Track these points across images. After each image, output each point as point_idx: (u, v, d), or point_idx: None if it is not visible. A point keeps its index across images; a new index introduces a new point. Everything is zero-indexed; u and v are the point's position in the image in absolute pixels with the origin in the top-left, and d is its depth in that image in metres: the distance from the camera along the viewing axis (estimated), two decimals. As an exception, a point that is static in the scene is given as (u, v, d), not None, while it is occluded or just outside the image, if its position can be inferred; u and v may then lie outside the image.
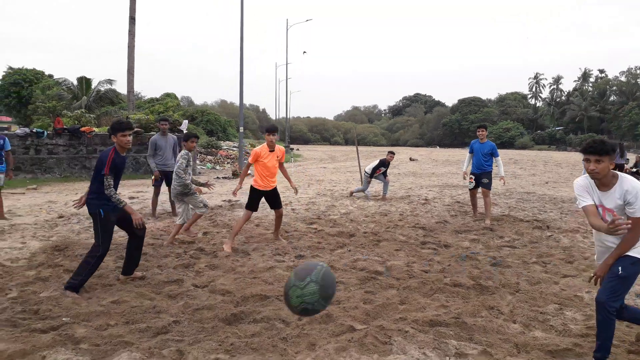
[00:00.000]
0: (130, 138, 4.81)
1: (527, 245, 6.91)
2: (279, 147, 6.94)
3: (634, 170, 18.59)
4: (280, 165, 7.01)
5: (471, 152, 9.20)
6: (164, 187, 9.03)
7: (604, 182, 3.22)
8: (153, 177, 8.97)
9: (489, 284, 4.96)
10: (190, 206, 6.95)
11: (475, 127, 9.43)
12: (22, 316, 3.93)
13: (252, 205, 6.80)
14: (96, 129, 19.89)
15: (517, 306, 4.34)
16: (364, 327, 3.78)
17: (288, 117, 67.39)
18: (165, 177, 8.87)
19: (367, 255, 6.21)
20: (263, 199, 6.86)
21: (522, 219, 9.09)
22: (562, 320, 4.03)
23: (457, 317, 4.00)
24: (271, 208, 7.10)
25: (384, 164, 11.99)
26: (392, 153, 12.45)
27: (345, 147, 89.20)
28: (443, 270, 5.54)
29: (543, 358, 3.35)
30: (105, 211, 4.66)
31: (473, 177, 9.04)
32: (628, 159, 20.06)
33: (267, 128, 6.97)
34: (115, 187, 4.70)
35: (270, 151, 6.75)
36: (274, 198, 6.93)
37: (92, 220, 4.80)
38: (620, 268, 3.18)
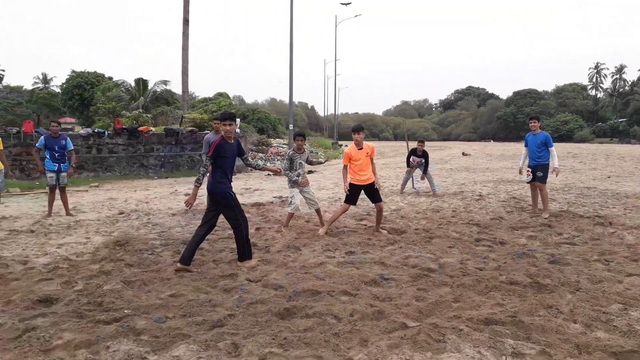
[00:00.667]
0: (228, 127, 5.48)
1: (587, 243, 6.61)
2: (367, 144, 7.36)
3: None
4: (370, 161, 7.32)
5: (526, 145, 9.01)
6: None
7: None
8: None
9: (547, 282, 4.78)
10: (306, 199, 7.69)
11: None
12: (87, 308, 4.15)
13: (350, 199, 7.35)
14: (153, 129, 20.64)
15: (578, 305, 4.16)
16: (417, 325, 3.74)
17: (337, 113, 67.49)
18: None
19: (419, 252, 6.13)
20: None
21: (582, 215, 8.70)
22: (626, 321, 3.83)
23: (514, 315, 3.88)
24: (372, 202, 7.44)
25: (415, 152, 12.21)
26: (422, 141, 12.54)
27: (395, 142, 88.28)
28: (498, 267, 5.39)
29: (606, 360, 3.20)
30: (231, 193, 5.51)
31: (530, 170, 8.83)
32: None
33: (353, 128, 7.46)
34: (226, 169, 5.50)
35: (359, 149, 7.23)
36: (372, 192, 7.29)
37: (216, 204, 5.57)
38: None
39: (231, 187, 5.56)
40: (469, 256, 5.92)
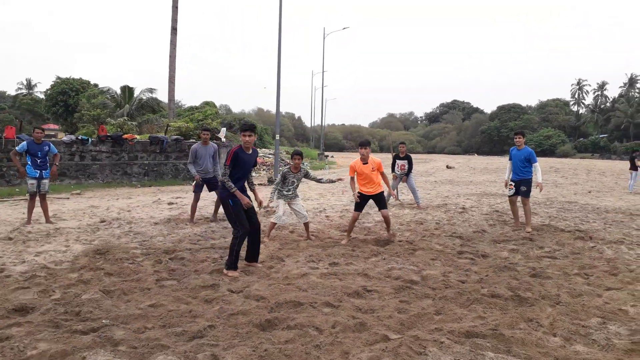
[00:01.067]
0: (248, 138, 5.62)
1: (568, 256, 6.69)
2: (374, 159, 7.64)
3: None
4: (381, 175, 7.64)
5: (510, 159, 9.13)
6: (204, 194, 9.26)
7: None
8: (194, 183, 9.24)
9: (528, 296, 4.82)
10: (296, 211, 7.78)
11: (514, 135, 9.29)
12: (64, 317, 4.07)
13: (358, 206, 7.66)
14: (137, 136, 20.49)
15: (558, 319, 4.19)
16: (399, 337, 3.73)
17: (323, 124, 67.65)
18: (206, 183, 9.18)
19: (402, 264, 6.14)
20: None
21: (564, 229, 8.81)
22: (605, 335, 3.87)
23: (495, 328, 3.90)
24: (378, 209, 7.74)
25: (398, 156, 12.42)
26: (403, 143, 12.77)
27: (381, 154, 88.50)
28: (480, 280, 5.42)
29: (585, 374, 3.22)
30: (233, 201, 5.58)
31: (513, 184, 8.97)
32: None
33: (359, 142, 7.78)
34: (241, 178, 5.69)
35: (364, 164, 7.53)
36: (379, 200, 7.61)
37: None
38: None
39: (237, 195, 5.60)
40: (451, 269, 5.95)
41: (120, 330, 3.81)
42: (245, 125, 5.78)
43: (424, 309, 4.43)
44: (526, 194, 8.80)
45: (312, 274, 5.63)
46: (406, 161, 12.28)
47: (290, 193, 7.65)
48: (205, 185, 9.24)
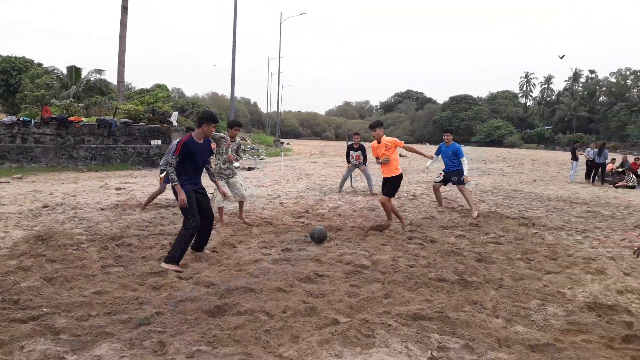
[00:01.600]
0: (213, 129, 5.57)
1: (512, 242, 6.95)
2: (386, 139, 7.51)
3: (620, 170, 18.81)
4: (409, 149, 8.05)
5: (437, 153, 9.78)
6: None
7: None
8: (161, 176, 8.86)
9: (474, 279, 4.98)
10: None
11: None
12: (2, 306, 3.88)
13: (383, 190, 7.73)
14: (85, 119, 19.70)
15: (500, 301, 4.36)
16: (348, 320, 3.78)
17: (279, 110, 67.23)
18: None
19: (354, 249, 6.21)
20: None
21: (509, 216, 9.15)
22: (543, 316, 4.06)
23: (441, 311, 4.01)
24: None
25: (352, 147, 12.50)
26: (357, 134, 12.88)
27: (336, 142, 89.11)
28: (428, 265, 5.56)
29: (524, 352, 3.37)
30: (185, 190, 5.26)
31: (442, 174, 9.77)
32: (614, 159, 20.29)
33: (370, 124, 7.72)
34: (193, 170, 5.46)
35: (378, 143, 7.54)
36: (384, 184, 7.69)
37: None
38: None
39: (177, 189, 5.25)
40: (400, 253, 6.07)
41: (62, 318, 3.67)
42: (215, 116, 5.55)
43: (374, 293, 4.50)
44: (459, 182, 9.43)
45: (264, 260, 5.61)
46: (360, 152, 12.40)
47: (228, 171, 7.58)
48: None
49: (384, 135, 7.55)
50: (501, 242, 6.91)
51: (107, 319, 3.71)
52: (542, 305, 4.32)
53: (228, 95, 29.41)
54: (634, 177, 17.31)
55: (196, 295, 4.26)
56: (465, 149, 9.65)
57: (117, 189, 11.70)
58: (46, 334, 3.38)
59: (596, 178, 18.19)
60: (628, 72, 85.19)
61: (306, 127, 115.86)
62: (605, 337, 3.64)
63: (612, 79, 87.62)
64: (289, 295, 4.40)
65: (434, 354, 3.32)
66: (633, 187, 16.73)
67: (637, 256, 4.11)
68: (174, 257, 5.14)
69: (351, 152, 12.44)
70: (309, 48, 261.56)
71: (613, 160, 19.75)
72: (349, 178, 12.97)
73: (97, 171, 16.90)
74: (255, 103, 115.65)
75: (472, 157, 37.46)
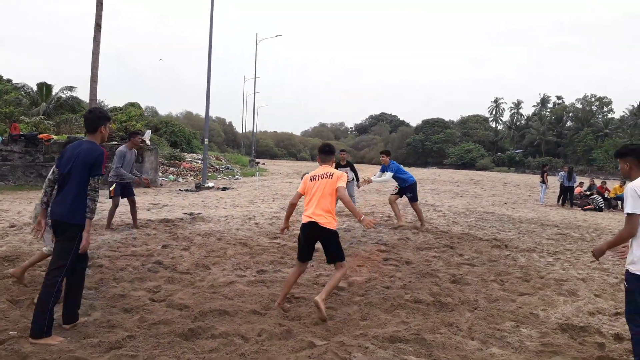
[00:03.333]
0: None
1: (485, 264, 7.04)
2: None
3: (587, 193, 19.33)
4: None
5: (382, 171, 10.77)
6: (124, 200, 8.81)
7: None
8: (112, 188, 8.60)
9: (449, 301, 5.01)
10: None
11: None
12: (-35, 329, 3.72)
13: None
14: (55, 137, 19.29)
15: (476, 323, 4.39)
16: (324, 343, 3.74)
17: (255, 130, 67.15)
18: (122, 187, 8.67)
19: (330, 271, 6.18)
20: None
21: (482, 238, 9.28)
22: (518, 337, 4.10)
23: (417, 333, 4.01)
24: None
25: (339, 164, 11.61)
26: (343, 151, 12.77)
27: (312, 162, 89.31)
28: (404, 286, 5.57)
29: (499, 375, 3.38)
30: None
31: (398, 187, 10.74)
32: (582, 182, 20.86)
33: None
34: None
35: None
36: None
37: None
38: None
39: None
40: (376, 275, 6.07)
41: (29, 342, 3.54)
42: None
43: (350, 315, 4.48)
44: (413, 199, 10.37)
45: (239, 282, 5.53)
46: (348, 168, 11.59)
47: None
48: (123, 191, 8.73)
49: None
50: (475, 264, 6.99)
51: (77, 343, 3.58)
52: (517, 327, 4.37)
53: (203, 114, 29.33)
54: (601, 200, 17.81)
55: (169, 318, 4.17)
56: (438, 171, 9.95)
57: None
58: (13, 359, 3.24)
59: (565, 201, 18.64)
60: (593, 99, 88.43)
61: (282, 147, 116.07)
62: (578, 359, 3.70)
63: (578, 105, 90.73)
64: (264, 318, 4.34)
65: (411, 376, 3.31)
66: (600, 210, 17.19)
67: (597, 258, 3.77)
68: (40, 326, 3.62)
69: (339, 169, 12.03)
70: (285, 69, 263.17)
71: (581, 184, 20.32)
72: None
73: (67, 190, 16.49)
74: (230, 123, 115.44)
75: (445, 179, 38.02)
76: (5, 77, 42.21)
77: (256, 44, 48.20)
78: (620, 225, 3.56)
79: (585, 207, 17.50)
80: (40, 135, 18.03)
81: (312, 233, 4.65)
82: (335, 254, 4.63)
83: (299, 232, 4.71)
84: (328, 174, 4.72)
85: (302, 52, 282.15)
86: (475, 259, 7.37)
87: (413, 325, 4.25)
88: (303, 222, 4.71)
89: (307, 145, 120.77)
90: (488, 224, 11.51)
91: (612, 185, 21.24)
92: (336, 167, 12.34)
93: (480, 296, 5.29)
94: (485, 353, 3.74)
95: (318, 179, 4.73)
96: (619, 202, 17.37)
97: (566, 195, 18.64)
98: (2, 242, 7.22)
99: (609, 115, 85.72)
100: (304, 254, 4.79)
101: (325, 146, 5.01)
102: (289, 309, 4.64)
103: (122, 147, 8.70)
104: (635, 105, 78.68)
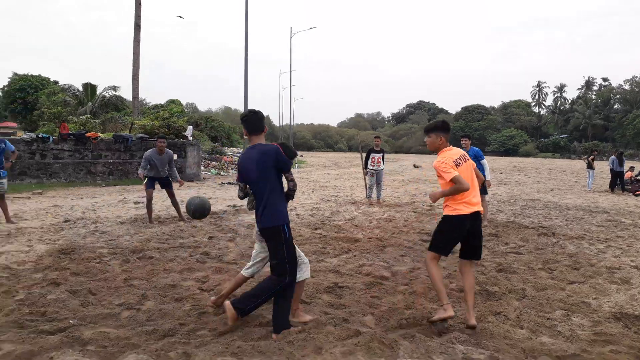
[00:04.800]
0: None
1: (532, 252, 6.88)
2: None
3: (639, 177, 18.54)
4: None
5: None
6: (161, 194, 9.17)
7: None
8: (145, 181, 9.05)
9: (495, 290, 4.94)
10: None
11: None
12: (30, 318, 3.94)
13: None
14: (101, 135, 19.99)
15: (524, 312, 4.32)
16: (370, 331, 3.77)
17: (292, 123, 67.59)
18: (158, 181, 9.09)
19: (373, 261, 6.20)
20: None
21: (527, 226, 9.07)
22: (569, 326, 4.01)
23: (464, 322, 3.98)
24: None
25: (373, 149, 12.44)
26: (378, 137, 12.95)
27: (349, 153, 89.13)
28: (449, 275, 5.52)
29: (551, 363, 3.33)
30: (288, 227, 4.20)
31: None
32: (633, 167, 20.03)
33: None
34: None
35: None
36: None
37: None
38: None
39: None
40: (420, 264, 6.04)
41: (88, 330, 3.72)
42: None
43: (395, 304, 4.48)
44: (482, 191, 9.84)
45: (284, 271, 5.61)
46: (381, 154, 12.39)
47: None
48: (160, 184, 9.16)
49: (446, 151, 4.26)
50: (521, 252, 6.85)
51: (133, 330, 3.74)
52: (567, 316, 4.27)
53: (241, 109, 29.70)
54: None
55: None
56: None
57: (136, 203, 11.82)
58: (74, 345, 3.42)
59: (615, 186, 17.95)
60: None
61: (319, 139, 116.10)
62: (634, 348, 3.58)
63: (627, 87, 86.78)
64: (310, 306, 4.40)
65: (459, 364, 3.30)
66: (653, 195, 16.47)
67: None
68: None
69: (372, 155, 12.32)
70: (320, 61, 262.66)
71: (631, 168, 19.51)
72: (372, 187, 12.72)
73: (114, 186, 17.10)
74: (268, 116, 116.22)
75: (488, 166, 37.20)
76: (52, 79, 44.00)
77: (290, 37, 48.41)
78: None
79: (637, 193, 16.79)
80: (88, 134, 18.71)
81: (471, 225, 4.06)
82: (480, 248, 4.15)
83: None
84: (466, 157, 4.20)
85: (338, 44, 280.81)
86: (522, 247, 7.22)
87: (460, 314, 4.22)
88: (465, 212, 4.00)
89: (344, 136, 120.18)
90: (534, 212, 11.22)
91: (666, 169, 20.28)
92: (370, 153, 12.42)
93: (528, 284, 5.19)
94: (535, 342, 3.68)
95: (461, 162, 4.10)
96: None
97: (616, 181, 17.95)
98: (58, 235, 7.57)
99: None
100: (451, 248, 4.17)
101: (444, 122, 4.34)
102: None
103: (148, 152, 9.01)
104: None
